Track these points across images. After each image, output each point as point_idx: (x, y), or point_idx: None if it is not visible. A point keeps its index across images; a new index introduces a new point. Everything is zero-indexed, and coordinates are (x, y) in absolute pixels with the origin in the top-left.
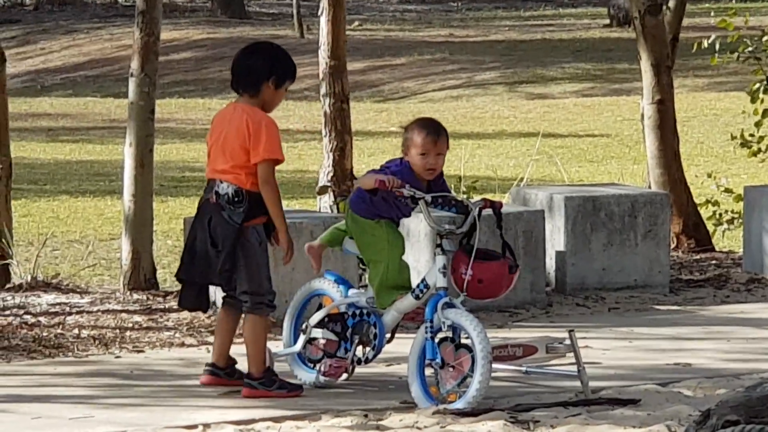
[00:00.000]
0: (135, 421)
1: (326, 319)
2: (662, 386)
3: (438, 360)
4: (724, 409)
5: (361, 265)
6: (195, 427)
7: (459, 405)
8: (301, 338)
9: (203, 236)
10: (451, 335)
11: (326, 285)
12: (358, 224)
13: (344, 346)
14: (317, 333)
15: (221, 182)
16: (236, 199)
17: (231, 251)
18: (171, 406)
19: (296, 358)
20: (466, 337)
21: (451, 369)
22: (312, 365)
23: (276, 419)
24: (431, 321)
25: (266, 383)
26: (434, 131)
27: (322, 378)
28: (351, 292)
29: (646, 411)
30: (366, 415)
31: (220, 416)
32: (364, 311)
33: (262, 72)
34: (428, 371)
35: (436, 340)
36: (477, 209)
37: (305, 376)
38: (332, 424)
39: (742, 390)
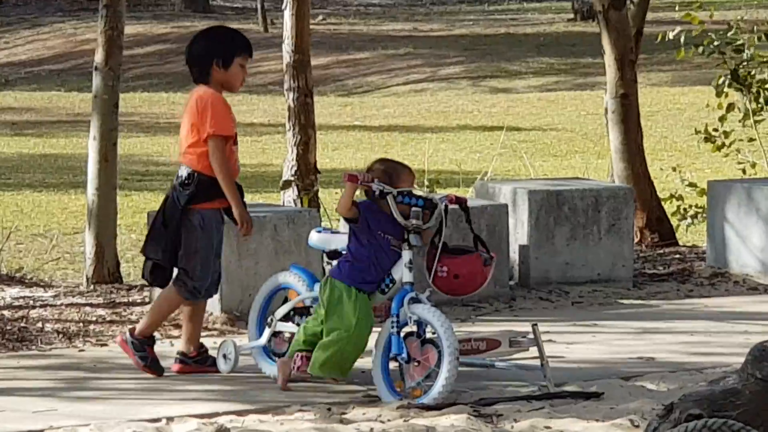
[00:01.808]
0: (99, 415)
1: (292, 313)
2: (625, 380)
3: (404, 355)
4: (687, 403)
5: (326, 259)
6: (158, 420)
7: (425, 400)
8: (267, 331)
9: (158, 216)
10: (416, 330)
11: (292, 278)
12: (333, 291)
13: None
14: (283, 327)
15: (181, 165)
16: (186, 181)
17: (174, 232)
18: (134, 399)
19: (261, 352)
20: (433, 333)
21: (416, 364)
22: (277, 359)
23: (239, 413)
24: (397, 316)
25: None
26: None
27: (295, 375)
28: (316, 285)
29: (609, 405)
30: (329, 409)
31: (183, 410)
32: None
33: (204, 57)
34: (392, 365)
35: (402, 335)
36: (443, 204)
37: (270, 369)
38: (296, 418)
39: (704, 384)
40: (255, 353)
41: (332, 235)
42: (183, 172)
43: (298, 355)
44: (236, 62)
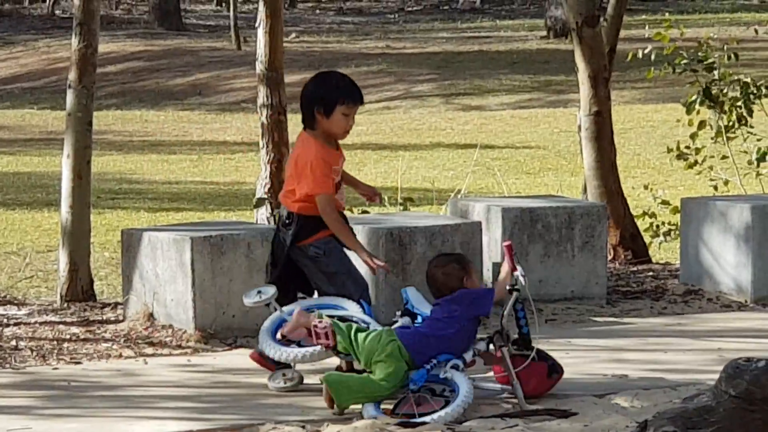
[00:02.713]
0: None
1: (336, 318)
2: (599, 397)
3: (417, 388)
4: (661, 421)
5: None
6: None
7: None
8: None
9: (269, 256)
10: (442, 386)
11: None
12: (398, 352)
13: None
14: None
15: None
16: (287, 221)
17: (283, 269)
18: (108, 417)
19: (270, 335)
20: (451, 392)
21: (420, 404)
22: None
23: (213, 430)
24: (438, 363)
25: None
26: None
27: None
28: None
29: (583, 422)
30: (303, 427)
31: (157, 428)
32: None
33: (308, 103)
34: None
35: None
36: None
37: (274, 350)
38: None
39: (678, 401)
40: (264, 332)
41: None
42: (283, 212)
43: (329, 328)
44: (338, 110)
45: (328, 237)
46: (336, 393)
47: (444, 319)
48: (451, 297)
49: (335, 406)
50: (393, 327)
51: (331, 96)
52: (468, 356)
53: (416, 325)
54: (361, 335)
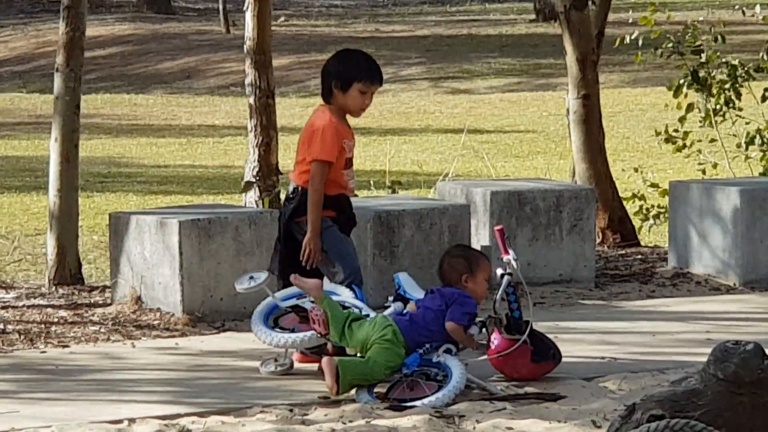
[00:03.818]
0: (60, 416)
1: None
2: (587, 381)
3: (411, 371)
4: (649, 404)
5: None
6: (120, 421)
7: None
8: (293, 301)
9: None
10: (434, 370)
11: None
12: (394, 337)
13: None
14: (309, 306)
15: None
16: (291, 195)
17: (284, 245)
18: (96, 401)
19: (262, 318)
20: (444, 376)
21: (413, 388)
22: (277, 329)
23: (201, 414)
24: (430, 348)
25: None
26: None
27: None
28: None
29: (571, 406)
30: (291, 410)
31: (145, 411)
32: (370, 315)
33: (327, 77)
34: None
35: (418, 363)
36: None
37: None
38: (257, 419)
39: (667, 385)
40: (256, 317)
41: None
42: (290, 186)
43: (323, 315)
44: (355, 87)
45: (325, 216)
46: (345, 374)
47: (437, 311)
48: (448, 292)
49: (338, 389)
50: (387, 313)
51: (349, 72)
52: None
53: (410, 312)
54: (356, 324)
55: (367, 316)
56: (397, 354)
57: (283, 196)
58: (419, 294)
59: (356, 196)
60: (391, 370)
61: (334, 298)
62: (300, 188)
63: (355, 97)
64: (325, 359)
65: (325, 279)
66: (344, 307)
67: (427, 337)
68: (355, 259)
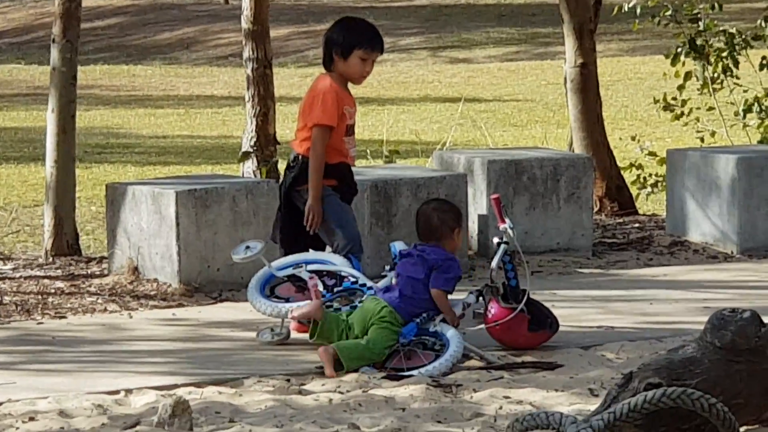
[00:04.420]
0: (58, 387)
1: (324, 272)
2: (585, 349)
3: (408, 339)
4: (647, 372)
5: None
6: (117, 392)
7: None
8: (290, 270)
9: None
10: (432, 339)
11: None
12: (391, 317)
13: (326, 298)
14: (306, 276)
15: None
16: (292, 164)
17: (286, 213)
18: (93, 372)
19: (259, 290)
20: (441, 345)
21: (410, 358)
22: (274, 299)
23: (198, 384)
24: (427, 317)
25: None
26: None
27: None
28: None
29: (569, 374)
30: (288, 380)
31: (142, 382)
32: (366, 285)
33: (328, 45)
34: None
35: (415, 332)
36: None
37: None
38: (254, 389)
39: (664, 353)
40: (252, 286)
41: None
42: (291, 155)
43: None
44: (355, 54)
45: (326, 185)
46: (346, 359)
47: (423, 280)
48: (431, 259)
49: (335, 375)
50: (381, 284)
51: (350, 39)
52: (458, 309)
53: (396, 287)
54: (351, 317)
55: (364, 286)
56: (395, 332)
57: (281, 166)
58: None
59: (354, 165)
60: (390, 348)
61: (330, 267)
62: (301, 156)
63: (355, 64)
64: (321, 349)
65: (327, 248)
66: (341, 277)
67: (423, 308)
68: (355, 227)
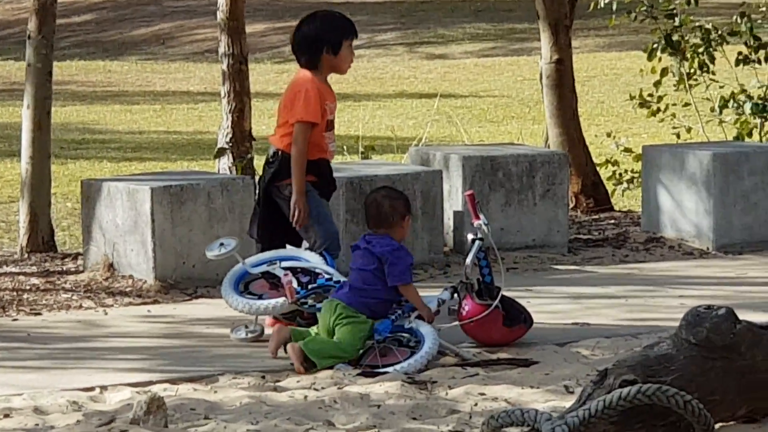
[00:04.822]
0: (33, 384)
1: (298, 269)
2: (560, 346)
3: (383, 336)
4: (622, 369)
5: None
6: (92, 389)
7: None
8: (264, 267)
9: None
10: (407, 336)
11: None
12: (347, 311)
13: (300, 295)
14: (281, 273)
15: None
16: (271, 159)
17: (264, 209)
18: (69, 368)
19: (233, 287)
20: (416, 342)
21: (385, 354)
22: (247, 296)
23: (173, 381)
24: (402, 314)
25: None
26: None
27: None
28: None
29: (544, 371)
30: (263, 377)
31: (117, 378)
32: (341, 282)
33: (314, 44)
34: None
35: (390, 329)
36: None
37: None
38: (229, 386)
39: (639, 349)
40: (226, 283)
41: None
42: (270, 150)
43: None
44: (344, 45)
45: (306, 182)
46: (317, 357)
47: (373, 271)
48: (378, 250)
49: (305, 370)
50: (330, 295)
51: (337, 34)
52: (432, 306)
53: (345, 281)
54: (313, 329)
55: (338, 283)
56: (360, 325)
57: (256, 163)
58: None
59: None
60: (362, 341)
61: (304, 264)
62: (281, 152)
63: (346, 55)
64: (289, 345)
65: (303, 244)
66: (316, 274)
67: (374, 298)
68: (333, 225)
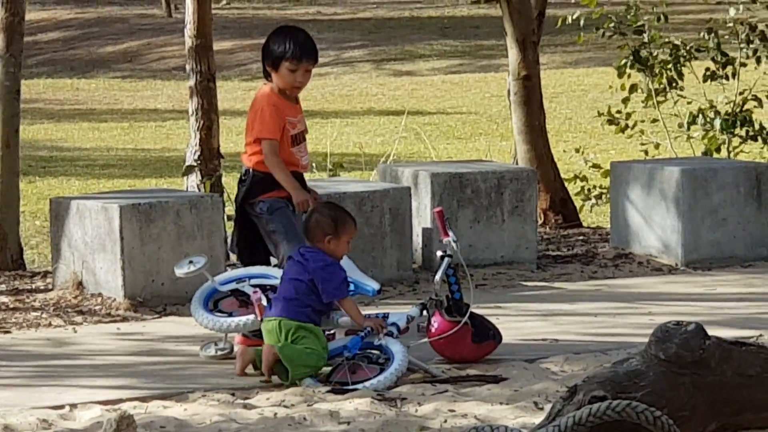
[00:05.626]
0: (2, 402)
1: (268, 287)
2: (529, 362)
3: (352, 355)
4: (591, 385)
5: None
6: (62, 407)
7: (374, 381)
8: (233, 285)
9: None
10: (376, 353)
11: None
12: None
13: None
14: (250, 291)
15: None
16: (243, 178)
17: (240, 226)
18: (38, 386)
19: (202, 302)
20: (386, 359)
21: (354, 371)
22: (217, 313)
23: (143, 399)
24: (371, 331)
25: None
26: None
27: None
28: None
29: (513, 388)
30: (233, 394)
31: (87, 396)
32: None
33: (262, 56)
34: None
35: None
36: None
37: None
38: (200, 403)
39: (608, 365)
40: (195, 301)
41: None
42: (243, 169)
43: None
44: (283, 65)
45: (278, 198)
46: (290, 364)
47: (307, 282)
48: (311, 266)
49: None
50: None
51: (278, 50)
52: (401, 323)
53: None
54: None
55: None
56: (316, 331)
57: (224, 180)
58: (358, 276)
59: (307, 171)
60: (323, 349)
61: (273, 281)
62: (251, 170)
63: (284, 75)
64: (265, 346)
65: (273, 260)
66: None
67: (310, 307)
68: (302, 241)
